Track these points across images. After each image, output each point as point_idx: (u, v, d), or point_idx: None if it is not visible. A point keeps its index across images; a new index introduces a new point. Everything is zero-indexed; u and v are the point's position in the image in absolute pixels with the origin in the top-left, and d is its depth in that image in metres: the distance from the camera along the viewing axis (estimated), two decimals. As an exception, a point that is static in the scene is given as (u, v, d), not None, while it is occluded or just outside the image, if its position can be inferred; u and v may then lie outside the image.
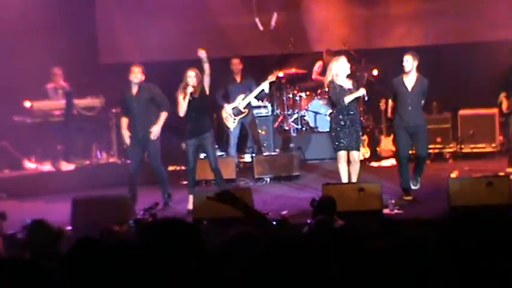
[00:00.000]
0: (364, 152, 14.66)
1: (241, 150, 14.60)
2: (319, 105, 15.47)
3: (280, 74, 14.72)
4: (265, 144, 14.69)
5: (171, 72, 14.69)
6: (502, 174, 11.76)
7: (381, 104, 14.08)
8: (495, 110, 13.91)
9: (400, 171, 11.32)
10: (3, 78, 13.98)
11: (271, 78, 13.87)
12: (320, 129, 15.31)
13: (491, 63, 13.33)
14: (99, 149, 14.49)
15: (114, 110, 13.92)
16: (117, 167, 13.59)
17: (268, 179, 13.52)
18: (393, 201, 10.53)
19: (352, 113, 11.27)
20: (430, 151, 14.32)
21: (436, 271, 2.94)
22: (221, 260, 3.76)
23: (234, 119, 13.73)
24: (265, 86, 13.87)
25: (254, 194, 10.93)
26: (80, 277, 3.46)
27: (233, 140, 13.83)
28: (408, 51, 11.37)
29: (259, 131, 14.51)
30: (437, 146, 14.80)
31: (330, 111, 11.76)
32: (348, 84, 11.26)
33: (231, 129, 13.77)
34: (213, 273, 3.44)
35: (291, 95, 15.70)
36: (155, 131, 11.56)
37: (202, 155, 12.03)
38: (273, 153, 14.39)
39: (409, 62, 11.18)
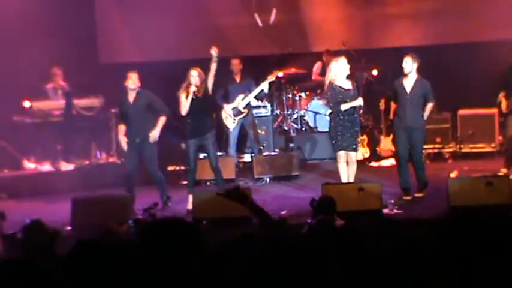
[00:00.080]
0: (364, 151, 14.67)
1: (240, 150, 14.60)
2: (318, 105, 15.47)
3: (280, 74, 14.72)
4: (264, 144, 14.69)
5: (170, 72, 14.72)
6: (501, 174, 11.77)
7: (380, 104, 14.08)
8: (495, 110, 13.91)
9: (399, 171, 11.33)
10: (3, 78, 13.99)
11: (271, 78, 13.88)
12: (320, 129, 15.31)
13: (491, 63, 13.33)
14: (98, 149, 14.49)
15: (113, 110, 13.91)
16: (116, 167, 13.58)
17: (267, 179, 13.52)
18: (393, 201, 10.53)
19: (351, 113, 11.27)
20: (430, 151, 14.35)
21: (436, 271, 2.94)
22: (221, 260, 3.76)
23: (234, 119, 13.73)
24: (264, 86, 13.88)
25: (254, 194, 10.89)
26: (81, 278, 3.46)
27: (232, 140, 13.83)
28: (408, 53, 11.36)
29: (259, 131, 14.51)
30: (437, 145, 14.81)
31: (330, 111, 11.74)
32: (347, 84, 11.25)
33: (231, 130, 13.78)
34: (213, 273, 3.44)
35: (290, 95, 15.70)
36: (154, 135, 11.55)
37: (201, 155, 12.03)
38: (273, 153, 14.39)
39: (409, 64, 11.18)
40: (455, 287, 2.86)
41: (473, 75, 14.59)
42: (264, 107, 15.25)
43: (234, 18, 16.32)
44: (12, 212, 10.89)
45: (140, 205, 10.79)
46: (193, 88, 11.13)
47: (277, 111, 15.71)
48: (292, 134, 15.57)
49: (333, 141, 11.30)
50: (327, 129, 12.77)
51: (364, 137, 14.79)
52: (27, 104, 13.97)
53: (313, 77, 15.73)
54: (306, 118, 15.66)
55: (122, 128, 11.76)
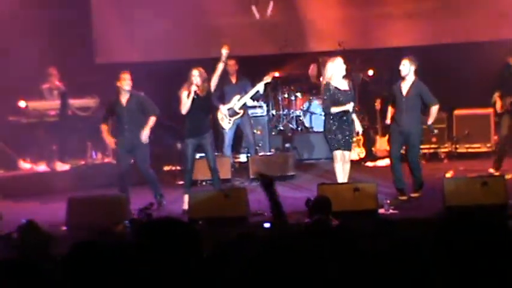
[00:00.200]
0: (360, 152, 14.68)
1: (236, 150, 14.61)
2: (314, 105, 15.48)
3: (276, 75, 14.72)
4: (260, 144, 14.70)
5: (166, 72, 14.74)
6: (497, 174, 11.79)
7: (376, 104, 14.10)
8: (490, 110, 13.92)
9: (392, 171, 11.34)
10: (-2, 78, 14.00)
11: (267, 79, 13.88)
12: (315, 129, 15.32)
13: (487, 63, 13.34)
14: (94, 149, 14.48)
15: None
16: (112, 167, 13.55)
17: (263, 179, 13.50)
18: (388, 201, 10.53)
19: (347, 114, 11.27)
20: (425, 151, 14.36)
21: (434, 271, 2.94)
22: (218, 260, 3.76)
23: (229, 120, 13.73)
24: (260, 87, 13.88)
25: (249, 193, 10.93)
26: (78, 278, 3.46)
27: (228, 140, 13.83)
28: (406, 56, 11.37)
29: (255, 131, 14.51)
30: (433, 146, 14.82)
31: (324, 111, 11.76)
32: (343, 85, 11.24)
33: (226, 130, 13.78)
34: (210, 273, 3.44)
35: (286, 95, 15.71)
36: (144, 134, 11.54)
37: (198, 155, 12.03)
38: (268, 153, 14.40)
39: (406, 66, 11.18)
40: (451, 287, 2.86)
41: (469, 75, 14.61)
42: (260, 107, 15.26)
43: (230, 18, 16.32)
44: (8, 212, 10.90)
45: (135, 205, 10.79)
46: (194, 88, 11.13)
47: (273, 111, 15.71)
48: (288, 134, 15.57)
49: (329, 141, 11.30)
50: (322, 130, 12.77)
51: (360, 137, 14.79)
52: (22, 104, 13.96)
53: (313, 80, 15.70)
54: (301, 118, 15.66)
55: (105, 128, 11.77)
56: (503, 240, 2.87)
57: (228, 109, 13.70)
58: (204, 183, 13.03)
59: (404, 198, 11.14)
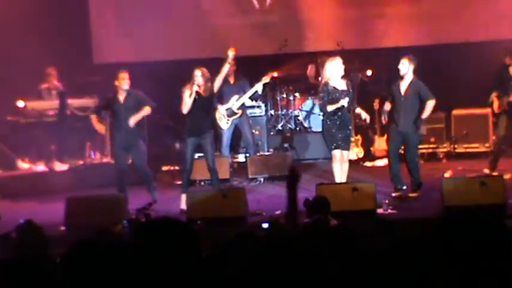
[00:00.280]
0: (358, 151, 14.68)
1: (234, 150, 14.61)
2: (312, 105, 15.48)
3: (275, 75, 14.71)
4: (259, 143, 14.71)
5: (164, 72, 14.74)
6: (495, 174, 11.79)
7: (374, 104, 14.09)
8: (489, 110, 13.92)
9: (390, 170, 11.40)
10: (-3, 78, 13.99)
11: (265, 79, 13.88)
12: (314, 129, 15.32)
13: (485, 64, 13.35)
14: (92, 149, 14.48)
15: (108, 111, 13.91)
16: (110, 167, 13.54)
17: (262, 179, 13.53)
18: (387, 201, 10.54)
19: (344, 113, 11.28)
20: (424, 151, 14.36)
21: (434, 271, 2.94)
22: (218, 260, 3.76)
23: (228, 120, 13.73)
24: (258, 87, 13.89)
25: (248, 193, 10.94)
26: (77, 278, 3.45)
27: (226, 140, 13.83)
28: (405, 55, 11.39)
29: (253, 131, 14.51)
30: (431, 145, 14.83)
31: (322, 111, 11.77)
32: (342, 85, 11.25)
33: (224, 130, 13.78)
34: (210, 273, 3.44)
35: (284, 95, 15.71)
36: (134, 119, 11.52)
37: (196, 155, 12.03)
38: (267, 153, 14.41)
39: (405, 66, 11.20)
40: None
41: (467, 75, 14.60)
42: (258, 107, 15.26)
43: (229, 18, 16.32)
44: (6, 212, 10.89)
45: (133, 205, 10.79)
46: (195, 88, 11.14)
47: (272, 111, 15.71)
48: (287, 134, 15.57)
49: (327, 141, 11.30)
50: (320, 129, 12.78)
51: (359, 137, 14.82)
52: (21, 104, 13.95)
53: (312, 81, 15.70)
54: (300, 118, 15.67)
55: (94, 117, 11.84)
56: (502, 240, 2.88)
57: (226, 109, 13.70)
58: (202, 183, 13.04)
59: (397, 194, 11.16)
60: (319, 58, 15.24)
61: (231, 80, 13.94)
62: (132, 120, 11.52)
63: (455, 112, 14.97)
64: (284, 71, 15.56)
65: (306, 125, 15.62)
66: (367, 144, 14.94)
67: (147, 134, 14.30)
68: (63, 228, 10.40)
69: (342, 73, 11.30)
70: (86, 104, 14.23)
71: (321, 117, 11.83)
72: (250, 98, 14.15)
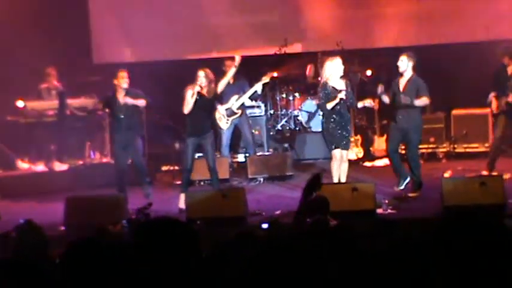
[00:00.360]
0: (358, 151, 14.68)
1: (234, 150, 14.61)
2: (312, 105, 15.47)
3: (274, 75, 14.71)
4: (258, 144, 14.70)
5: (165, 72, 14.74)
6: (495, 174, 11.78)
7: (374, 104, 14.08)
8: (488, 110, 13.88)
9: (393, 169, 11.41)
10: (-3, 78, 13.99)
11: (265, 79, 13.88)
12: (313, 129, 15.31)
13: (484, 64, 13.34)
14: (92, 149, 14.47)
15: (107, 110, 13.90)
16: (110, 167, 13.55)
17: (261, 179, 13.53)
18: (386, 201, 10.54)
19: (344, 113, 11.28)
20: (424, 151, 14.34)
21: (433, 271, 2.94)
22: (219, 260, 3.76)
23: (227, 120, 13.73)
24: (258, 87, 13.89)
25: (248, 193, 10.93)
26: (76, 277, 3.45)
27: (225, 140, 13.83)
28: (404, 52, 11.39)
29: (253, 131, 14.51)
30: (431, 145, 14.83)
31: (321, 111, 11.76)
32: (341, 85, 11.25)
33: (224, 130, 13.77)
34: (210, 273, 3.44)
35: (284, 95, 15.71)
36: (126, 98, 11.51)
37: (196, 155, 12.03)
38: (267, 153, 14.41)
39: (404, 62, 11.20)
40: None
41: (466, 75, 14.60)
42: (258, 106, 15.25)
43: (228, 18, 16.31)
44: (6, 212, 10.91)
45: (133, 205, 10.79)
46: (197, 88, 11.15)
47: (271, 111, 15.71)
48: (286, 134, 15.57)
49: (327, 141, 11.30)
50: (320, 129, 12.78)
51: (358, 137, 14.82)
52: (21, 104, 13.95)
53: (309, 80, 15.70)
54: (299, 118, 15.66)
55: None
56: (502, 240, 2.88)
57: (226, 109, 13.70)
58: (202, 183, 13.03)
59: (399, 189, 11.19)
60: (319, 58, 15.24)
61: (231, 80, 13.92)
62: (123, 99, 11.49)
63: (454, 112, 14.96)
64: (284, 71, 15.56)
65: (306, 125, 15.60)
66: (366, 144, 14.94)
67: (147, 134, 14.31)
68: (62, 228, 10.40)
69: (341, 73, 11.30)
70: (85, 104, 14.23)
71: (321, 117, 11.82)
72: (249, 98, 14.15)
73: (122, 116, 11.59)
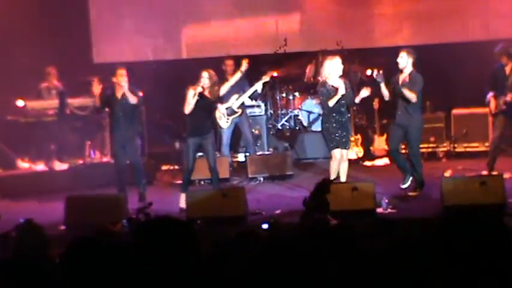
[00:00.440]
0: (358, 151, 14.68)
1: (234, 149, 14.61)
2: (312, 104, 15.47)
3: (274, 74, 14.71)
4: (258, 144, 14.70)
5: (165, 72, 14.73)
6: (495, 173, 11.77)
7: (374, 103, 14.10)
8: (488, 109, 13.90)
9: (397, 167, 11.41)
10: (-3, 77, 13.99)
11: (265, 78, 13.88)
12: (313, 129, 15.31)
13: (484, 63, 13.33)
14: (92, 148, 14.47)
15: (107, 109, 13.89)
16: (110, 167, 13.53)
17: (261, 179, 13.53)
18: (386, 201, 10.54)
19: (344, 112, 11.29)
20: (424, 150, 14.33)
21: (433, 271, 2.94)
22: (219, 259, 3.76)
23: (228, 119, 13.73)
24: (258, 86, 13.89)
25: (248, 193, 10.94)
26: (77, 276, 3.45)
27: (226, 139, 13.83)
28: (404, 48, 11.40)
29: (253, 130, 14.51)
30: (431, 145, 14.83)
31: (322, 110, 11.76)
32: (340, 84, 11.24)
33: (224, 129, 13.78)
34: (210, 273, 3.43)
35: (284, 95, 15.71)
36: (125, 90, 11.48)
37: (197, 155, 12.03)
38: (267, 153, 14.40)
39: (404, 59, 11.21)
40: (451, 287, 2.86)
41: (466, 74, 14.58)
42: (258, 106, 15.25)
43: (228, 17, 16.31)
44: (6, 212, 10.91)
45: (133, 205, 10.80)
46: (199, 89, 11.15)
47: (271, 111, 15.71)
48: (286, 134, 15.57)
49: (327, 140, 11.30)
50: (320, 129, 12.78)
51: (358, 136, 14.81)
52: (21, 103, 13.94)
53: (308, 80, 15.70)
54: (299, 117, 15.66)
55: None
56: (502, 239, 2.87)
57: (226, 108, 13.70)
58: (202, 182, 13.03)
59: (406, 185, 11.20)
60: (319, 57, 15.24)
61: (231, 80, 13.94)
62: (127, 90, 11.46)
63: (455, 111, 14.96)
64: (284, 71, 15.55)
65: (305, 124, 15.60)
66: (366, 143, 14.94)
67: (147, 133, 14.32)
68: (63, 227, 10.41)
69: (341, 73, 11.31)
70: (85, 103, 14.22)
71: (320, 117, 11.82)
72: (250, 97, 14.15)
73: (121, 114, 11.59)
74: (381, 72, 11.40)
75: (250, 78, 14.04)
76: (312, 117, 15.46)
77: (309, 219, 5.26)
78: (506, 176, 11.26)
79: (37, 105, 14.04)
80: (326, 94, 11.16)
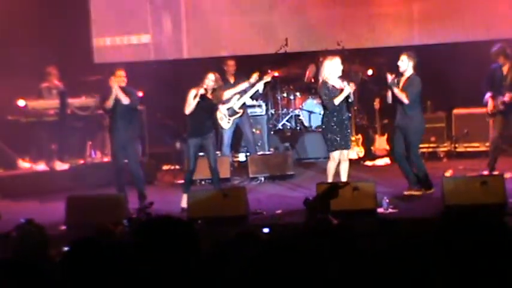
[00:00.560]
0: (359, 151, 14.68)
1: (235, 149, 14.62)
2: (313, 104, 15.48)
3: (275, 74, 14.70)
4: (259, 144, 14.70)
5: (165, 72, 14.73)
6: (496, 173, 11.77)
7: (375, 103, 14.10)
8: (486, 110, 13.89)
9: (401, 170, 11.40)
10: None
11: (266, 78, 13.88)
12: (314, 129, 15.31)
13: (485, 63, 13.33)
14: (93, 148, 14.47)
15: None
16: (111, 167, 13.58)
17: (262, 178, 13.53)
18: (387, 200, 10.53)
19: (344, 112, 11.29)
20: (425, 150, 14.34)
21: (434, 270, 2.94)
22: (219, 259, 3.75)
23: (229, 120, 13.73)
24: (259, 86, 13.88)
25: (248, 193, 10.93)
26: (77, 276, 3.45)
27: (227, 139, 13.83)
28: (405, 51, 11.38)
29: (254, 130, 14.51)
30: (432, 145, 14.83)
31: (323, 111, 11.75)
32: (339, 84, 11.24)
33: (225, 130, 13.77)
34: (210, 272, 3.43)
35: (285, 94, 15.71)
36: (116, 90, 11.45)
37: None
38: (267, 153, 14.40)
39: (404, 62, 11.20)
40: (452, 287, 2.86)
41: (467, 74, 14.56)
42: (259, 106, 15.25)
43: (229, 17, 16.31)
44: (7, 212, 10.91)
45: (133, 205, 10.79)
46: (201, 91, 11.14)
47: (272, 111, 15.71)
48: (287, 134, 15.57)
49: (328, 141, 11.30)
50: (320, 127, 12.77)
51: (359, 136, 14.81)
52: (21, 103, 13.94)
53: (309, 80, 15.70)
54: (300, 117, 15.66)
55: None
56: (503, 239, 2.87)
57: (228, 109, 13.70)
58: (203, 182, 13.03)
59: (409, 192, 11.19)
60: (320, 57, 15.22)
61: (231, 80, 13.94)
62: (118, 90, 11.43)
63: (455, 111, 14.96)
64: (285, 71, 15.54)
65: (306, 124, 15.60)
66: (367, 143, 14.94)
67: (148, 133, 14.32)
68: (63, 227, 10.41)
69: (340, 73, 11.30)
70: (86, 103, 14.22)
71: (321, 118, 11.80)
72: (251, 97, 14.15)
73: (118, 116, 11.54)
74: (394, 76, 11.33)
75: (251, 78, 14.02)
76: (313, 117, 15.45)
77: (313, 219, 5.25)
78: (507, 176, 11.26)
79: (38, 105, 14.04)
80: (328, 94, 11.15)
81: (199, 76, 11.33)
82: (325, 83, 11.21)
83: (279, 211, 10.79)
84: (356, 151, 14.51)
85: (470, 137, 14.68)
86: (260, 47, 15.99)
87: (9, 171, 13.99)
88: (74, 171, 13.91)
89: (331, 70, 11.23)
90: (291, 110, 15.71)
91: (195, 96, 11.14)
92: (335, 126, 11.15)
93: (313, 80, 15.01)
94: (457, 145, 14.80)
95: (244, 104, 13.92)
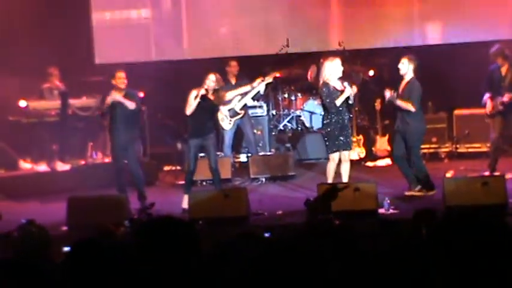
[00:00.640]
0: (360, 151, 14.68)
1: (236, 150, 14.62)
2: (314, 105, 15.47)
3: (277, 75, 14.70)
4: (260, 144, 14.71)
5: (166, 72, 14.73)
6: (497, 174, 11.77)
7: (376, 104, 14.10)
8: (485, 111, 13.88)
9: (401, 172, 11.39)
10: (-1, 78, 14.00)
11: (268, 79, 13.87)
12: (315, 129, 15.31)
13: (486, 64, 13.33)
14: (94, 149, 14.47)
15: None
16: (112, 167, 13.58)
17: (263, 179, 13.53)
18: (388, 201, 10.53)
19: (344, 114, 11.29)
20: (426, 151, 14.35)
21: (434, 271, 2.94)
22: (220, 260, 3.75)
23: (230, 121, 13.73)
24: (261, 87, 13.88)
25: (250, 193, 10.94)
26: (79, 277, 3.45)
27: (228, 140, 13.83)
28: (405, 54, 11.38)
29: (255, 131, 14.51)
30: (433, 145, 14.82)
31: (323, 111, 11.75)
32: (340, 86, 11.25)
33: (226, 130, 13.78)
34: (211, 273, 3.43)
35: (286, 95, 15.71)
36: (116, 97, 11.43)
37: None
38: (269, 153, 14.41)
39: (405, 65, 11.20)
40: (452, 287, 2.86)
41: (468, 75, 14.57)
42: (260, 107, 15.25)
43: (229, 18, 16.32)
44: (8, 212, 10.91)
45: (134, 205, 10.79)
46: (202, 91, 11.14)
47: (273, 112, 15.71)
48: (288, 134, 15.57)
49: (329, 142, 11.30)
50: (321, 127, 12.78)
51: (360, 137, 14.81)
52: (23, 103, 13.95)
53: (311, 81, 15.69)
54: (301, 118, 15.66)
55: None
56: (503, 240, 2.87)
57: (229, 110, 13.70)
58: (204, 183, 13.03)
59: (419, 193, 11.18)
60: (321, 58, 15.21)
61: (233, 81, 13.94)
62: (110, 98, 11.42)
63: (457, 112, 14.96)
64: (286, 71, 15.54)
65: (307, 125, 15.60)
66: (368, 144, 14.94)
67: (149, 134, 14.32)
68: (65, 228, 10.41)
69: (340, 74, 11.31)
70: (87, 104, 14.22)
71: (321, 119, 11.80)
72: (252, 98, 14.15)
73: (120, 118, 11.53)
74: (392, 92, 11.31)
75: (252, 79, 14.01)
76: (314, 118, 15.45)
77: (315, 220, 5.26)
78: (507, 176, 11.26)
79: (39, 106, 14.04)
80: (330, 95, 11.15)
81: (200, 76, 11.34)
82: (325, 84, 11.22)
83: (279, 212, 10.79)
84: (357, 152, 14.51)
85: (471, 137, 14.67)
86: (261, 48, 15.99)
87: (11, 172, 13.99)
88: (75, 171, 13.91)
89: (332, 71, 11.24)
90: (292, 110, 15.71)
91: (196, 97, 11.14)
92: (335, 128, 11.15)
93: (314, 81, 15.01)
94: (458, 146, 14.80)
95: (245, 105, 13.92)
